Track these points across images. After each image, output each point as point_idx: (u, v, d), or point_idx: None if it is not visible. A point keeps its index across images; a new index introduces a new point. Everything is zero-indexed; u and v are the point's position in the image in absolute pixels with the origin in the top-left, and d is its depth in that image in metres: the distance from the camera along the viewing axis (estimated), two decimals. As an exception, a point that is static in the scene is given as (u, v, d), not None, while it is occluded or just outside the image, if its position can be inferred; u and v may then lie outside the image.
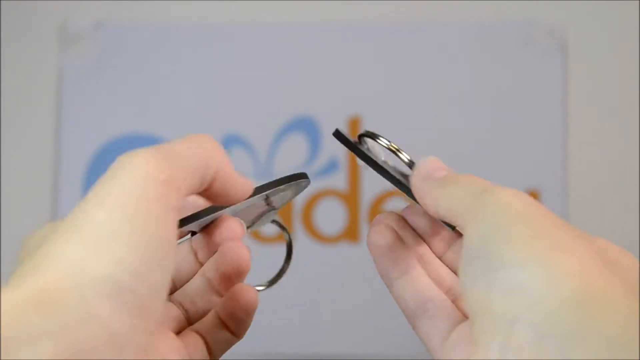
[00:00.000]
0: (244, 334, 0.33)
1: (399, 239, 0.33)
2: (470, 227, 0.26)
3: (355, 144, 0.36)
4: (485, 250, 0.24)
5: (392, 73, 0.79)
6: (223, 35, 0.80)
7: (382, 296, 0.78)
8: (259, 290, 0.35)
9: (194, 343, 0.31)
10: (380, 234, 0.33)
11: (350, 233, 0.77)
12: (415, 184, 0.31)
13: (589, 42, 0.79)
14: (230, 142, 0.79)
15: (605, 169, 0.78)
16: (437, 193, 0.29)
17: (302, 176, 0.35)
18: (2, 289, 0.22)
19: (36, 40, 0.80)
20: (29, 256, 0.24)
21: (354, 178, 0.77)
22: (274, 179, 0.34)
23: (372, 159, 0.34)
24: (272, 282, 0.38)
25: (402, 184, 0.33)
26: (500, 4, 0.80)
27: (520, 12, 0.79)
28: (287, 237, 0.38)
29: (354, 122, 0.78)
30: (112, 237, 0.24)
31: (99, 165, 0.79)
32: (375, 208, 0.77)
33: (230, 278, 0.33)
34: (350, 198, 0.77)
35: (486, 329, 0.23)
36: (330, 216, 0.77)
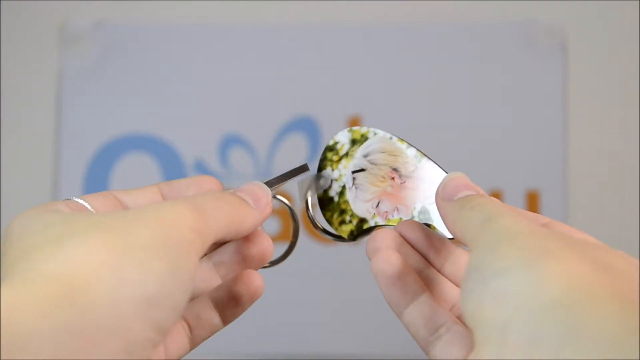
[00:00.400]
0: (232, 321, 0.33)
1: (405, 263, 0.33)
2: (472, 250, 0.27)
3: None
4: (478, 264, 0.25)
5: (392, 73, 0.79)
6: (223, 35, 0.80)
7: (381, 296, 0.78)
8: (264, 267, 0.36)
9: (177, 329, 0.31)
10: (387, 264, 0.32)
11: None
12: (437, 203, 0.32)
13: (589, 42, 0.79)
14: (230, 142, 0.79)
15: (605, 169, 0.78)
16: (455, 215, 0.30)
17: (303, 169, 0.35)
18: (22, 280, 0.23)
19: (36, 40, 0.80)
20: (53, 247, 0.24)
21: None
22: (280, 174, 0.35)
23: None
24: (276, 262, 0.37)
25: None
26: (500, 4, 0.80)
27: (520, 12, 0.79)
28: (293, 218, 0.38)
29: (354, 122, 0.78)
30: (150, 254, 0.25)
31: (99, 165, 0.79)
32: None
33: (239, 299, 0.33)
34: (350, 198, 0.77)
35: (481, 338, 0.23)
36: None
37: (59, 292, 0.22)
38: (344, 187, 0.37)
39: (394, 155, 0.36)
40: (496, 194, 0.77)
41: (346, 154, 0.37)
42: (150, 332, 0.24)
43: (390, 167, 0.36)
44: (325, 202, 0.37)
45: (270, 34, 0.80)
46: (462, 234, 0.29)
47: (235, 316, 0.33)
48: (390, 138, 0.37)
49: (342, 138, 0.37)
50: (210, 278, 0.34)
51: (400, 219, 0.35)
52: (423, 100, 0.79)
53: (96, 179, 0.78)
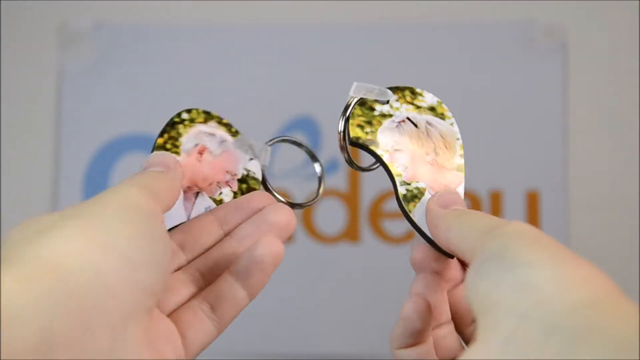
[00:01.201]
0: (258, 291, 0.33)
1: (425, 316, 0.33)
2: (484, 243, 0.27)
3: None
4: (500, 254, 0.25)
5: (392, 73, 0.79)
6: (223, 35, 0.80)
7: (381, 296, 0.78)
8: (292, 206, 0.37)
9: (194, 315, 0.31)
10: (414, 311, 0.32)
11: (350, 233, 0.77)
12: (432, 208, 0.33)
13: (589, 42, 0.79)
14: (230, 142, 0.79)
15: (605, 169, 0.78)
16: (452, 221, 0.31)
17: None
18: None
19: (36, 40, 0.80)
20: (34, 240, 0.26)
21: (354, 178, 0.77)
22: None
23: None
24: (305, 204, 0.39)
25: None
26: (500, 4, 0.80)
27: (520, 12, 0.79)
28: (316, 164, 0.39)
29: (354, 122, 0.78)
30: (118, 221, 0.27)
31: (99, 165, 0.79)
32: (375, 208, 0.77)
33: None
34: (350, 198, 0.77)
35: (493, 321, 0.24)
36: (330, 216, 0.77)
37: (39, 268, 0.23)
38: (390, 116, 0.38)
39: (446, 149, 0.37)
40: (496, 194, 0.77)
41: (417, 106, 0.38)
42: (137, 293, 0.25)
43: (435, 151, 0.37)
44: (367, 107, 0.38)
45: (270, 34, 0.80)
46: (459, 236, 0.30)
47: (260, 285, 0.32)
48: (458, 139, 0.38)
49: (430, 96, 0.38)
50: (234, 253, 0.34)
51: (401, 175, 0.36)
52: (423, 100, 0.79)
53: (96, 179, 0.78)
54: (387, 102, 0.38)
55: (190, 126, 0.38)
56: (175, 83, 0.80)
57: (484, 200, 0.77)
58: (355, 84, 0.38)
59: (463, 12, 0.80)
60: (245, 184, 0.39)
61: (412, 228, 0.35)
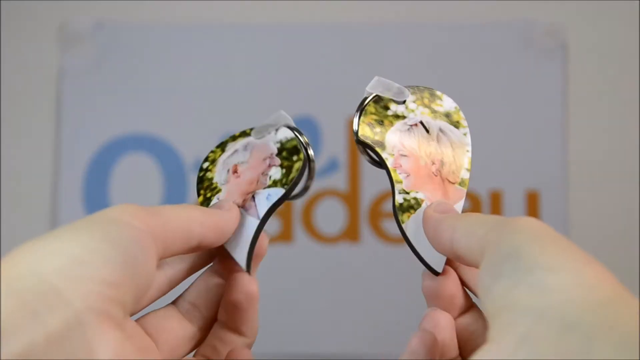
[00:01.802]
0: (251, 331, 0.34)
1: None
2: (496, 240, 0.27)
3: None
4: (516, 254, 0.25)
5: (392, 73, 0.79)
6: (223, 35, 0.80)
7: (381, 296, 0.78)
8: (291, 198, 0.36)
9: None
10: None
11: (350, 233, 0.77)
12: (431, 215, 0.33)
13: (589, 42, 0.79)
14: (230, 142, 0.79)
15: (605, 169, 0.78)
16: (456, 221, 0.31)
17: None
18: None
19: (36, 40, 0.80)
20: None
21: (354, 178, 0.77)
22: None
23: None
24: (293, 194, 0.37)
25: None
26: (500, 4, 0.80)
27: (520, 12, 0.79)
28: (303, 152, 0.37)
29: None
30: (78, 233, 0.26)
31: (99, 165, 0.79)
32: (375, 208, 0.77)
33: (237, 307, 0.34)
34: (350, 198, 0.77)
35: (508, 321, 0.23)
36: (330, 216, 0.77)
37: None
38: (404, 117, 0.37)
39: (454, 160, 0.37)
40: (496, 194, 0.77)
41: (434, 110, 0.37)
42: (89, 286, 0.25)
43: (442, 161, 0.36)
44: (381, 105, 0.38)
45: (270, 34, 0.80)
46: (468, 232, 0.29)
47: (247, 324, 0.34)
48: (467, 151, 0.37)
49: (449, 101, 0.38)
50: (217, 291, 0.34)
51: (401, 182, 0.36)
52: (423, 100, 0.79)
53: (96, 179, 0.78)
54: (404, 102, 0.38)
55: (213, 167, 0.38)
56: (175, 83, 0.80)
57: (484, 200, 0.77)
58: (375, 78, 0.37)
59: (463, 12, 0.80)
60: (285, 151, 0.37)
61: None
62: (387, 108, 0.37)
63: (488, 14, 0.80)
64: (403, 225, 0.35)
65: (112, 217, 0.27)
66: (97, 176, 0.78)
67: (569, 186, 0.77)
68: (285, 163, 0.36)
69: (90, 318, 0.24)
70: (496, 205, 0.77)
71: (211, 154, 0.37)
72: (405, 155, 0.36)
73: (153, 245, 0.28)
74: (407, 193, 0.35)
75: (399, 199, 0.35)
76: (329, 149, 0.78)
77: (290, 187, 0.35)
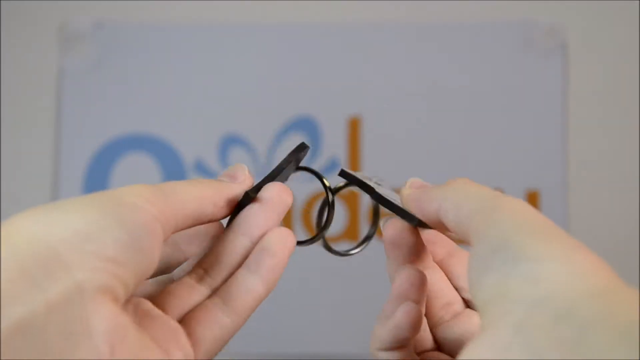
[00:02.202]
0: (273, 279, 0.31)
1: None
2: (485, 224, 0.26)
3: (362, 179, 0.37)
4: (505, 244, 0.25)
5: (392, 73, 0.79)
6: (223, 35, 0.80)
7: (381, 296, 0.78)
8: (300, 243, 0.35)
9: (209, 309, 0.30)
10: (409, 323, 0.32)
11: (350, 233, 0.77)
12: (409, 193, 0.32)
13: (589, 42, 0.79)
14: (230, 142, 0.79)
15: (605, 169, 0.78)
16: (441, 192, 0.30)
17: (301, 147, 0.36)
18: None
19: (36, 40, 0.80)
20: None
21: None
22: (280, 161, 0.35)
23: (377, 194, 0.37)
24: (315, 239, 0.37)
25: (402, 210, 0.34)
26: (500, 4, 0.80)
27: (520, 12, 0.79)
28: (324, 184, 0.37)
29: (354, 122, 0.78)
30: (82, 208, 0.26)
31: (99, 165, 0.79)
32: (375, 208, 0.77)
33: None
34: (350, 198, 0.77)
35: (502, 310, 0.23)
36: (330, 216, 0.77)
37: None
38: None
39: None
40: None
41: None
42: (93, 260, 0.24)
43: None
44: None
45: (270, 34, 0.80)
46: (456, 205, 0.29)
47: (274, 272, 0.31)
48: None
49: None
50: (240, 244, 0.33)
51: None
52: (423, 100, 0.79)
53: (96, 179, 0.78)
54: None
55: None
56: (175, 83, 0.80)
57: (484, 200, 0.77)
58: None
59: (463, 12, 0.80)
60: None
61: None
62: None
63: (488, 14, 0.80)
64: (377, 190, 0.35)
65: (123, 198, 0.27)
66: (97, 176, 0.78)
67: (569, 186, 0.77)
68: None
69: (90, 290, 0.24)
70: (496, 205, 0.77)
71: None
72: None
73: (161, 231, 0.27)
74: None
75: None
76: (329, 149, 0.78)
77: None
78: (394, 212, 0.33)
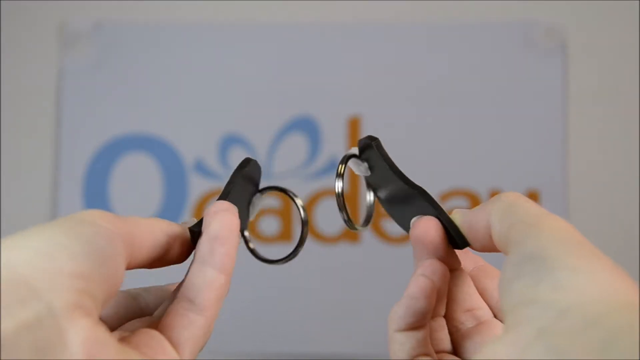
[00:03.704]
0: (227, 267, 0.31)
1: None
2: (524, 234, 0.27)
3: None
4: (540, 255, 0.25)
5: (392, 73, 0.79)
6: (223, 35, 0.80)
7: (381, 296, 0.78)
8: (272, 262, 0.36)
9: (176, 310, 0.30)
10: (425, 298, 0.32)
11: (350, 233, 0.77)
12: (462, 211, 0.33)
13: (589, 42, 0.79)
14: (230, 142, 0.79)
15: (605, 169, 0.78)
16: (487, 207, 0.31)
17: (245, 163, 0.35)
18: None
19: (36, 40, 0.80)
20: None
21: (354, 178, 0.77)
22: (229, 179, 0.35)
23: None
24: (285, 259, 0.38)
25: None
26: (500, 4, 0.80)
27: (520, 12, 0.79)
28: (302, 214, 0.38)
29: (354, 122, 0.78)
30: (47, 232, 0.27)
31: (99, 165, 0.79)
32: (376, 208, 0.77)
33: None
34: (350, 198, 0.77)
35: (527, 315, 0.24)
36: (330, 216, 0.77)
37: None
38: None
39: None
40: (496, 194, 0.77)
41: None
42: (57, 277, 0.25)
43: None
44: None
45: (270, 34, 0.80)
46: (502, 216, 0.29)
47: (227, 259, 0.31)
48: None
49: None
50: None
51: None
52: (423, 100, 0.79)
53: (96, 179, 0.78)
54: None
55: None
56: (175, 83, 0.80)
57: (484, 200, 0.77)
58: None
59: (463, 12, 0.80)
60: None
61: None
62: None
63: (488, 14, 0.80)
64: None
65: (80, 217, 0.28)
66: (97, 176, 0.78)
67: (569, 186, 0.77)
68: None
69: (61, 308, 0.24)
70: (496, 205, 0.77)
71: None
72: None
73: (121, 242, 0.28)
74: None
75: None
76: (329, 149, 0.78)
77: None
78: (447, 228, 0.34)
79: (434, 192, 0.78)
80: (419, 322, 0.32)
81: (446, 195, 0.77)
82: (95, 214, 0.28)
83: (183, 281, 0.31)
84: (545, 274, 0.24)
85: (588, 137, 0.78)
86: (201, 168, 0.79)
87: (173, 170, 0.79)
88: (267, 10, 0.80)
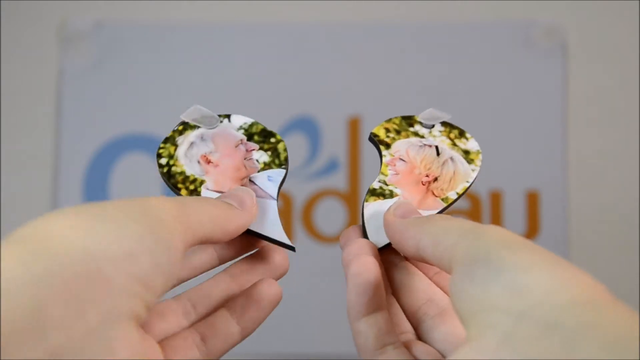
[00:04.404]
0: (252, 329, 0.33)
1: (380, 274, 0.33)
2: (465, 250, 0.26)
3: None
4: (486, 258, 0.25)
5: (392, 73, 0.79)
6: (223, 35, 0.80)
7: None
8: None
9: (184, 342, 0.31)
10: (367, 270, 0.32)
11: (350, 233, 0.77)
12: (391, 221, 0.32)
13: (589, 42, 0.79)
14: (230, 142, 0.79)
15: (605, 169, 0.78)
16: (420, 227, 0.30)
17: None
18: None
19: (36, 40, 0.80)
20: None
21: (354, 178, 0.77)
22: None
23: None
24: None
25: None
26: (500, 4, 0.80)
27: (520, 12, 0.79)
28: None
29: (354, 122, 0.78)
30: (126, 217, 0.26)
31: (99, 165, 0.79)
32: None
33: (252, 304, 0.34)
34: (350, 198, 0.77)
35: (488, 321, 0.23)
36: (330, 216, 0.77)
37: (35, 246, 0.23)
38: (422, 137, 0.39)
39: (448, 182, 0.37)
40: (496, 194, 0.77)
41: (455, 144, 0.39)
42: (130, 283, 0.24)
43: (436, 178, 0.37)
44: (407, 121, 0.40)
45: (270, 34, 0.80)
46: (435, 241, 0.29)
47: (255, 322, 0.33)
48: (467, 182, 0.37)
49: (474, 143, 0.39)
50: (228, 288, 0.34)
51: (387, 175, 0.37)
52: (423, 100, 0.79)
53: (96, 179, 0.78)
54: (432, 126, 0.39)
55: (176, 162, 0.37)
56: (175, 83, 0.80)
57: (484, 200, 0.77)
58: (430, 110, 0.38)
59: (463, 12, 0.80)
60: (255, 135, 0.38)
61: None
62: (411, 125, 0.38)
63: (488, 14, 0.80)
64: (365, 204, 0.35)
65: (156, 214, 0.27)
66: (97, 176, 0.79)
67: (569, 186, 0.77)
68: (266, 146, 0.38)
69: (121, 315, 0.24)
70: (496, 205, 0.77)
71: (162, 150, 0.38)
72: (403, 160, 0.37)
73: (184, 252, 0.28)
74: (387, 185, 0.36)
75: (375, 185, 0.36)
76: (329, 149, 0.78)
77: (288, 165, 0.37)
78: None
79: (434, 192, 0.78)
80: (375, 304, 0.31)
81: (446, 195, 0.77)
82: (165, 210, 0.28)
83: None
84: (494, 277, 0.24)
85: (588, 136, 0.78)
86: (201, 168, 0.79)
87: (173, 170, 0.79)
88: (267, 10, 0.80)
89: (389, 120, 0.39)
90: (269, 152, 0.38)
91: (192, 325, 0.32)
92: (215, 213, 0.31)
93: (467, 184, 0.37)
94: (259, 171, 0.37)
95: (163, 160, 0.37)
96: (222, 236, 0.31)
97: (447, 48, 0.79)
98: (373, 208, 0.35)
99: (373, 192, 0.36)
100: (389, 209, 0.33)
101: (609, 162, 0.78)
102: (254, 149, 0.38)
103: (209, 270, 0.34)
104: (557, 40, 0.79)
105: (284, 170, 0.37)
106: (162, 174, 0.37)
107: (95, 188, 0.78)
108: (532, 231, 0.76)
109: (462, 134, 0.39)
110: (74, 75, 0.80)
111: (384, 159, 0.37)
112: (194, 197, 0.32)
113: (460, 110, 0.78)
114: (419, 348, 0.32)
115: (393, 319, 0.34)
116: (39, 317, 0.22)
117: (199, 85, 0.80)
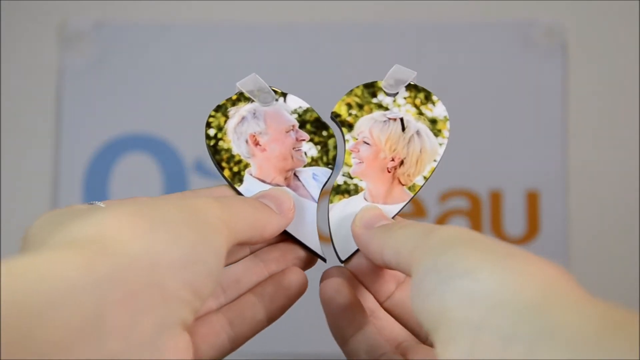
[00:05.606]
0: (278, 317, 0.33)
1: (354, 294, 0.33)
2: (419, 257, 0.26)
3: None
4: (435, 266, 0.25)
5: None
6: (223, 35, 0.80)
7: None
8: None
9: (212, 328, 0.31)
10: (337, 292, 0.32)
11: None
12: (358, 233, 0.32)
13: (589, 42, 0.79)
14: (230, 142, 0.79)
15: (605, 169, 0.78)
16: (382, 239, 0.30)
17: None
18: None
19: (36, 40, 0.80)
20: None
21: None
22: None
23: None
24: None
25: None
26: (500, 4, 0.80)
27: (520, 12, 0.79)
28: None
29: (354, 122, 0.78)
30: (179, 224, 0.26)
31: (99, 165, 0.79)
32: (375, 208, 0.77)
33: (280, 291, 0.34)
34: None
35: (449, 336, 0.23)
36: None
37: (98, 248, 0.23)
38: (386, 109, 0.37)
39: (415, 164, 0.36)
40: (496, 194, 0.77)
41: (421, 112, 0.37)
42: (185, 292, 0.24)
43: (402, 161, 0.36)
44: (370, 90, 0.39)
45: (270, 34, 0.80)
46: (394, 253, 0.29)
47: (282, 311, 0.33)
48: (435, 161, 0.36)
49: (441, 109, 0.37)
50: (260, 274, 0.34)
51: (351, 166, 0.35)
52: (423, 100, 0.79)
53: (96, 179, 0.78)
54: (396, 94, 0.37)
55: (224, 136, 0.36)
56: (175, 83, 0.80)
57: (484, 200, 0.77)
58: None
59: (463, 12, 0.80)
60: (308, 124, 0.36)
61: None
62: (374, 95, 0.37)
63: (488, 14, 0.80)
64: (330, 205, 0.34)
65: (207, 219, 0.27)
66: (97, 176, 0.78)
67: (569, 186, 0.77)
68: (316, 138, 0.36)
69: (173, 324, 0.24)
70: (496, 205, 0.77)
71: (213, 119, 0.36)
72: (367, 143, 0.36)
73: (226, 253, 0.28)
74: (351, 178, 0.35)
75: (339, 180, 0.35)
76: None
77: (334, 166, 0.35)
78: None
79: (434, 192, 0.78)
80: (354, 322, 0.32)
81: (446, 195, 0.77)
82: (215, 215, 0.27)
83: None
84: (447, 285, 0.24)
85: (588, 137, 0.78)
86: (201, 168, 0.79)
87: (173, 170, 0.79)
88: (267, 10, 0.80)
89: (350, 93, 0.38)
90: (319, 147, 0.36)
91: (220, 309, 0.32)
92: (256, 217, 0.30)
93: (435, 164, 0.35)
94: (305, 166, 0.35)
95: (211, 132, 0.36)
96: (259, 240, 0.31)
97: (447, 48, 0.79)
98: (338, 211, 0.34)
99: (337, 190, 0.34)
100: (354, 220, 0.33)
101: (609, 162, 0.78)
102: (304, 139, 0.36)
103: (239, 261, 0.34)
104: (557, 40, 0.79)
105: (330, 171, 0.35)
106: (209, 146, 0.36)
107: (95, 188, 0.78)
108: (532, 231, 0.76)
109: (428, 97, 0.37)
110: (74, 74, 0.80)
111: (346, 145, 0.35)
112: (237, 198, 0.31)
113: (460, 110, 0.78)
114: (420, 350, 0.32)
115: (383, 332, 0.33)
116: (98, 323, 0.21)
117: (198, 85, 0.80)
